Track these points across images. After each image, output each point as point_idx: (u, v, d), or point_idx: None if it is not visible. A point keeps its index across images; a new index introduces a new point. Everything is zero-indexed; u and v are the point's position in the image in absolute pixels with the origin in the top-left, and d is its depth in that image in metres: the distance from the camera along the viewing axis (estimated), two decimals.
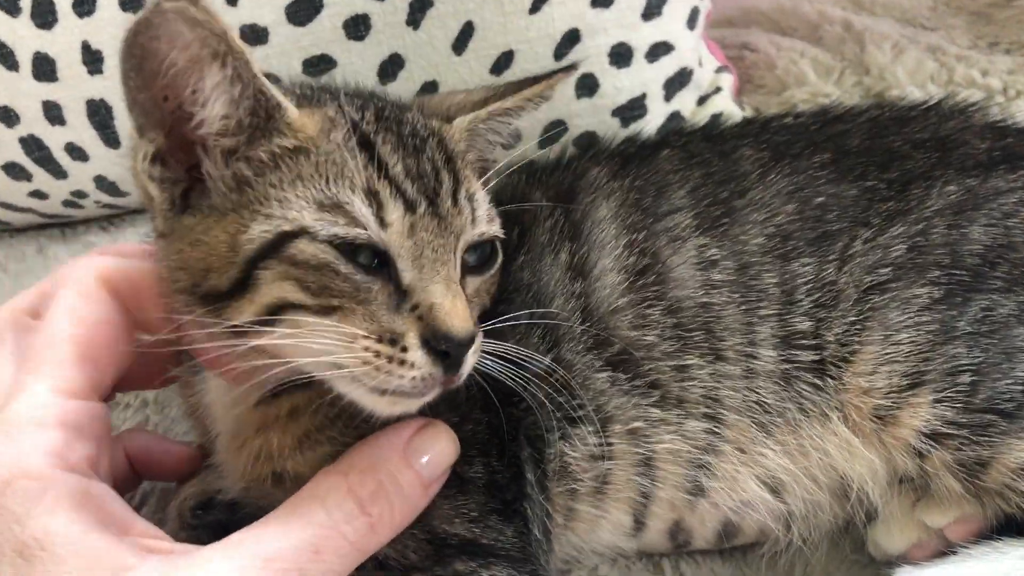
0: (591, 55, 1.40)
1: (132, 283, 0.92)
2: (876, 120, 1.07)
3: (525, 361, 0.88)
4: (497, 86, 1.01)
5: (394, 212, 0.81)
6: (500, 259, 0.93)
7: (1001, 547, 0.85)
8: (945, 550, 0.89)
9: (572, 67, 0.97)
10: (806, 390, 0.92)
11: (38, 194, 1.52)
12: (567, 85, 1.41)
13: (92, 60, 1.37)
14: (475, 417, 0.94)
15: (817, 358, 0.92)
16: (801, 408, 0.92)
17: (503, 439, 0.94)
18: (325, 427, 0.92)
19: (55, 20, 1.35)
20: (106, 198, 1.53)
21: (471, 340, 0.81)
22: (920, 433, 0.88)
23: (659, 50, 1.43)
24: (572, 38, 1.38)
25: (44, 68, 1.37)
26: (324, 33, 1.36)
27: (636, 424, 0.94)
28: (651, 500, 0.96)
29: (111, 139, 1.44)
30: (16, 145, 1.44)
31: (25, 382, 0.83)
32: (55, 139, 1.44)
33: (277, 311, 0.82)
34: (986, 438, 0.85)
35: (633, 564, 1.01)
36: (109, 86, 1.39)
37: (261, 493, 0.97)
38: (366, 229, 0.80)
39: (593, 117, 1.44)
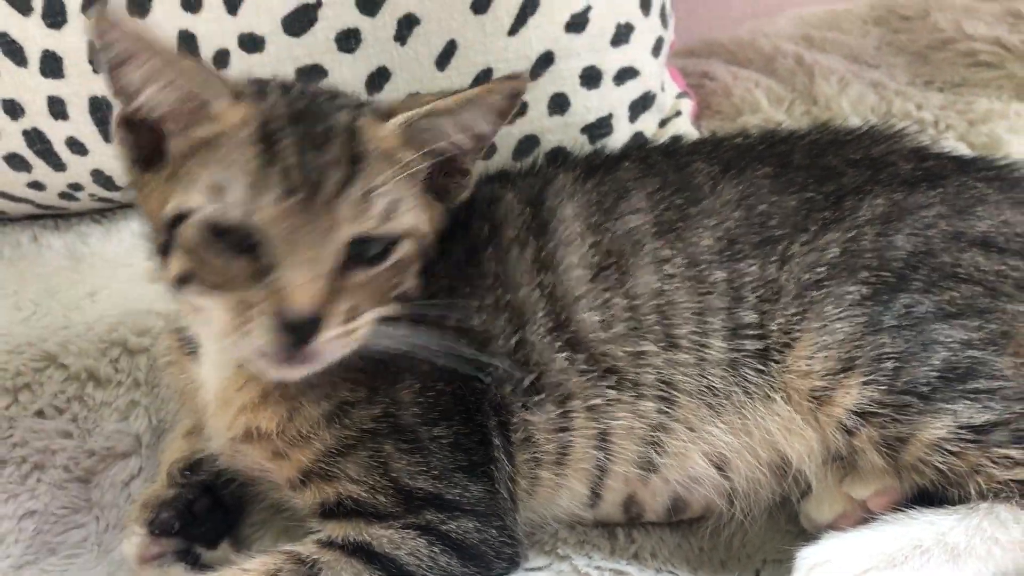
0: (564, 76, 1.51)
1: None
2: (816, 142, 1.19)
3: (456, 350, 0.99)
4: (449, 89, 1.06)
5: (267, 197, 0.92)
6: (400, 255, 0.99)
7: (913, 514, 0.96)
8: (867, 519, 1.00)
9: (513, 77, 1.03)
10: (751, 375, 1.02)
11: (36, 185, 1.59)
12: (540, 102, 1.53)
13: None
14: (437, 387, 1.04)
15: (762, 346, 1.03)
16: (747, 391, 1.03)
17: (468, 407, 1.04)
18: (280, 386, 1.03)
19: (65, 20, 1.43)
20: (101, 191, 1.61)
21: (310, 320, 0.90)
22: (851, 412, 0.98)
23: (626, 75, 1.55)
24: (547, 59, 1.50)
25: (51, 65, 1.46)
26: (318, 45, 1.46)
27: (594, 401, 1.04)
28: (606, 473, 1.06)
29: (109, 135, 1.52)
30: (19, 137, 1.52)
31: None
32: (57, 133, 1.52)
33: (183, 280, 0.98)
34: (906, 417, 0.96)
35: (589, 531, 1.10)
36: None
37: (238, 451, 1.09)
38: (238, 210, 0.92)
39: (563, 134, 1.55)
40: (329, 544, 0.99)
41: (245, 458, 1.11)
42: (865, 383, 0.98)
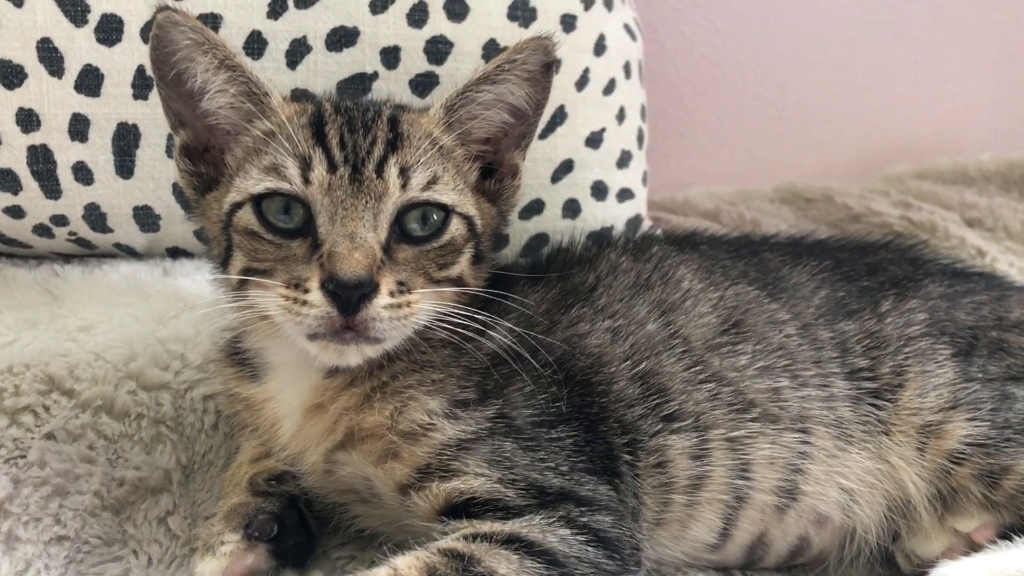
0: (579, 184, 1.64)
1: None
2: (848, 245, 1.38)
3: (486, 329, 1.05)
4: None
5: (316, 170, 1.01)
6: (451, 235, 1.06)
7: (1019, 542, 1.06)
8: (971, 551, 1.09)
9: (539, 37, 1.10)
10: (872, 411, 1.12)
11: (15, 211, 1.43)
12: (556, 205, 1.64)
13: (143, 85, 1.40)
14: (551, 391, 1.05)
15: (876, 386, 1.14)
16: (870, 424, 1.11)
17: (590, 419, 1.05)
18: (382, 385, 1.05)
19: (119, 39, 1.38)
20: (84, 230, 1.47)
21: (358, 284, 0.95)
22: (960, 443, 1.09)
23: (625, 195, 1.71)
24: (567, 167, 1.62)
25: (89, 81, 1.38)
26: None
27: (736, 433, 1.08)
28: (744, 504, 1.08)
29: (125, 167, 1.43)
30: (22, 152, 1.39)
31: None
32: (67, 154, 1.41)
33: (245, 274, 1.03)
34: (1007, 449, 1.09)
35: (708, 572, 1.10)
36: (148, 114, 1.41)
37: (335, 463, 1.06)
38: (291, 184, 1.01)
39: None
40: (475, 538, 0.93)
41: (343, 469, 1.06)
42: (969, 419, 1.11)
